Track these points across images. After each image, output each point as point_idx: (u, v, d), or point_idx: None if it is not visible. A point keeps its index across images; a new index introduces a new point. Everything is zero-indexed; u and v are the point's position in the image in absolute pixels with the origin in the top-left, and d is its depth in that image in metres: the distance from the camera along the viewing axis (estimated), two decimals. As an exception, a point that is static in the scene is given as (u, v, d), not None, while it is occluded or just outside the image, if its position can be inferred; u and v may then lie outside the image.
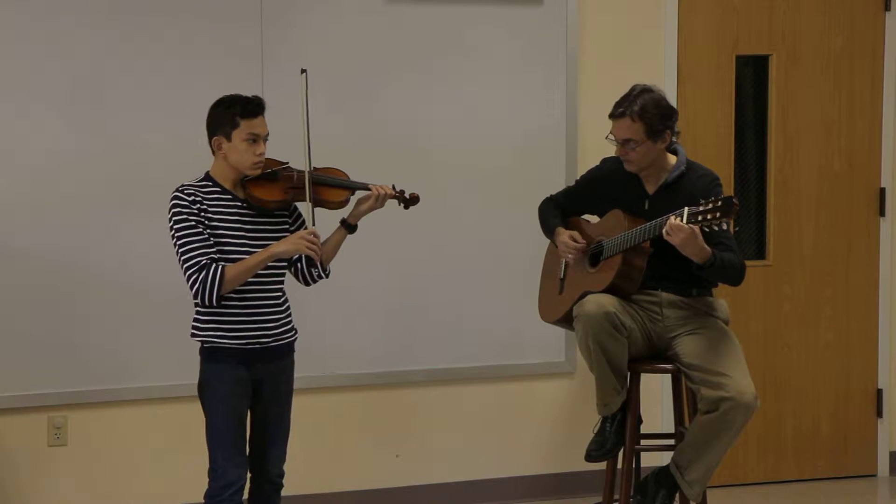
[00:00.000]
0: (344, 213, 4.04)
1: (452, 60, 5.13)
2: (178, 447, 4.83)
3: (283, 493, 4.04)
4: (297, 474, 4.48)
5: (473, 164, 5.17)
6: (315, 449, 5.06)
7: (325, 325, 5.00)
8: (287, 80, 4.46)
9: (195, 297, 3.78)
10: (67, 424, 4.83)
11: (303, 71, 3.95)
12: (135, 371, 4.85)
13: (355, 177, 4.05)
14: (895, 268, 5.70)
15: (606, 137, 4.23)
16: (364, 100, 5.04)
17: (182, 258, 3.77)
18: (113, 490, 4.91)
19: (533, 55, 5.21)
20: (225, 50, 4.86)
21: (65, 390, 4.79)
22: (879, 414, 5.74)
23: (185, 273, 3.77)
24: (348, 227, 4.03)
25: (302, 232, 3.87)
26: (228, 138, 3.83)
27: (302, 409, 4.88)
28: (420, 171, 5.06)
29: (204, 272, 3.73)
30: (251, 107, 3.84)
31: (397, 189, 4.06)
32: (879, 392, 5.74)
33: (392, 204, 4.08)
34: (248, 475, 3.97)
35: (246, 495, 3.97)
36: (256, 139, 3.83)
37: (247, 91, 3.95)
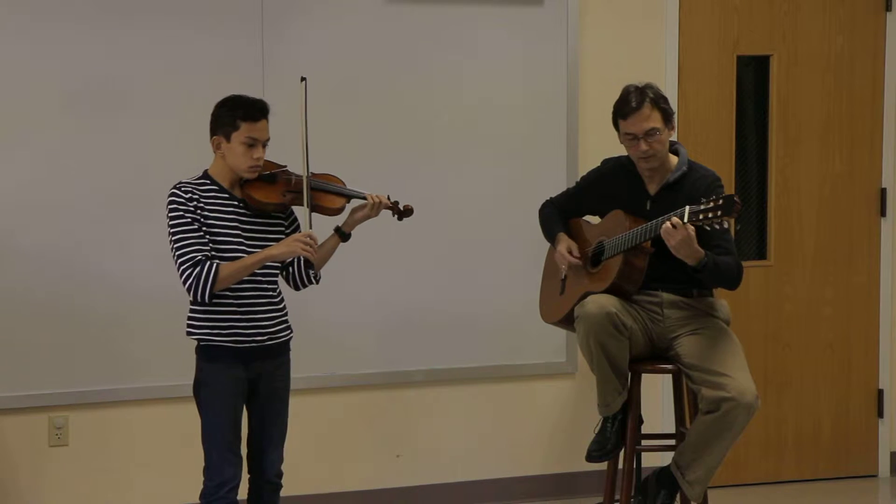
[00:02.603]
0: (338, 220, 4.04)
1: (452, 61, 5.13)
2: (179, 447, 4.82)
3: (284, 493, 4.04)
4: (298, 474, 4.49)
5: (474, 165, 5.17)
6: (315, 449, 5.06)
7: (325, 324, 4.99)
8: (287, 83, 4.46)
9: (188, 292, 3.78)
10: (68, 424, 4.83)
11: (302, 79, 3.94)
12: (136, 371, 4.85)
13: (354, 183, 4.05)
14: (896, 268, 5.72)
15: (622, 140, 4.20)
16: (364, 101, 5.04)
17: (176, 253, 3.77)
18: (114, 490, 4.91)
19: (533, 55, 5.20)
20: (226, 52, 4.85)
21: (66, 390, 4.79)
22: (880, 414, 5.74)
23: (178, 268, 3.77)
24: (342, 234, 4.04)
25: (298, 234, 3.86)
26: (228, 139, 3.83)
27: (302, 409, 4.88)
28: (420, 173, 5.07)
29: (198, 268, 3.73)
30: (253, 111, 3.83)
31: (392, 200, 4.07)
32: (880, 392, 5.73)
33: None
34: (248, 475, 3.97)
35: (245, 496, 3.97)
36: (255, 143, 3.82)
37: (247, 93, 3.93)
